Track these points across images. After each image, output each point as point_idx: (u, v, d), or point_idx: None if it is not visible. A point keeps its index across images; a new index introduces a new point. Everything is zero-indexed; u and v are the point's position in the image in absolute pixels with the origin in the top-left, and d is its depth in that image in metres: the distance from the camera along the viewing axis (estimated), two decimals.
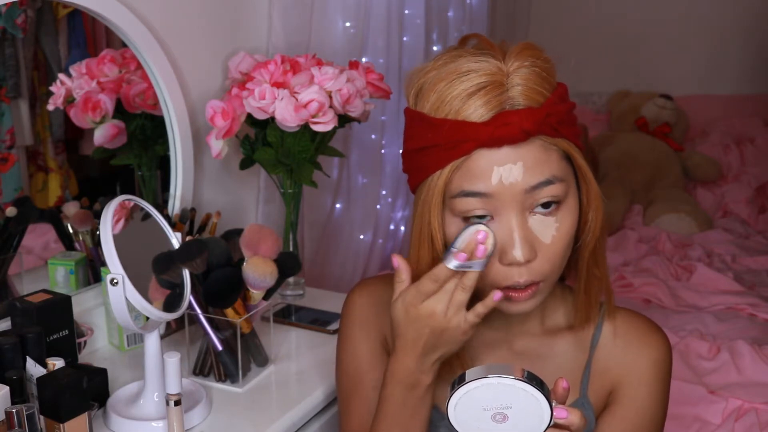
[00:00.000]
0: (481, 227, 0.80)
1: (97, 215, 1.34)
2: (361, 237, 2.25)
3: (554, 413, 0.71)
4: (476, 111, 0.79)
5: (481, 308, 0.83)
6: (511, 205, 0.81)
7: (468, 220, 0.83)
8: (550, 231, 0.83)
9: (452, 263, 0.81)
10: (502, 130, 0.78)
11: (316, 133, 1.42)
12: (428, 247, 0.86)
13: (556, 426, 0.73)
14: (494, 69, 0.80)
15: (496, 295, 0.82)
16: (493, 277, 0.83)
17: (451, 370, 0.93)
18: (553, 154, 0.82)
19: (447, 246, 0.85)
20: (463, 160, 0.81)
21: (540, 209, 0.82)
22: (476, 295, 0.87)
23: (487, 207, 0.81)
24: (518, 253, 0.81)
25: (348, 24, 1.95)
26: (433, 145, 0.82)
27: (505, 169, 0.80)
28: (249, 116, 1.43)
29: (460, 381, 0.71)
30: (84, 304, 1.34)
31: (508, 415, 0.71)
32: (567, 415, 0.72)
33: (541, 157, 0.81)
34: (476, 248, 0.80)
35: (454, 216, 0.84)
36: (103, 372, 1.17)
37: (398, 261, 0.87)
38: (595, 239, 0.88)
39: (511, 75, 0.80)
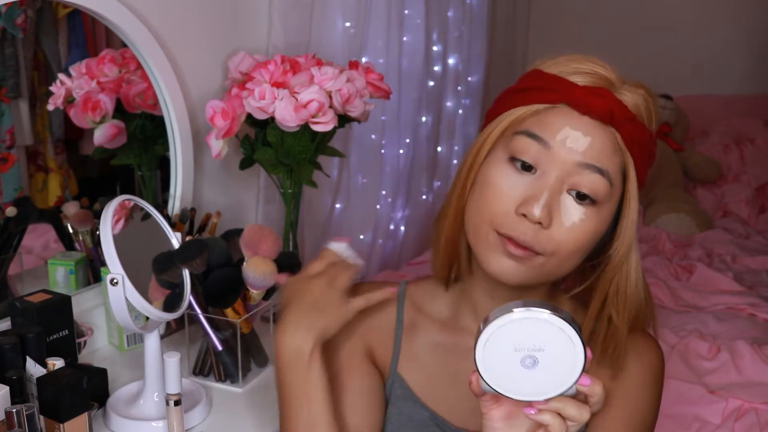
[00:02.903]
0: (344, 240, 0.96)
1: (97, 215, 1.33)
2: (361, 237, 2.25)
3: (582, 374, 0.68)
4: (582, 81, 0.84)
5: (361, 300, 0.92)
6: (558, 167, 0.82)
7: (513, 162, 0.84)
8: (574, 218, 0.83)
9: (333, 245, 0.95)
10: (592, 98, 0.82)
11: (316, 133, 1.42)
12: (466, 171, 0.88)
13: (575, 397, 0.71)
14: (615, 76, 0.85)
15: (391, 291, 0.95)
16: (501, 220, 0.83)
17: (455, 366, 0.93)
18: (616, 157, 0.84)
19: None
20: (545, 108, 0.84)
21: (576, 196, 0.83)
22: (467, 233, 0.89)
23: (538, 157, 0.83)
24: (537, 210, 0.81)
25: (348, 24, 1.95)
26: (530, 88, 0.86)
27: (574, 134, 0.82)
28: (249, 116, 1.43)
29: (495, 315, 0.68)
30: (84, 304, 1.34)
31: (539, 359, 0.68)
32: (591, 383, 0.70)
33: (607, 149, 0.83)
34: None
35: (505, 152, 0.85)
36: (103, 372, 1.17)
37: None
38: (615, 272, 0.87)
39: (624, 87, 0.85)
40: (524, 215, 0.82)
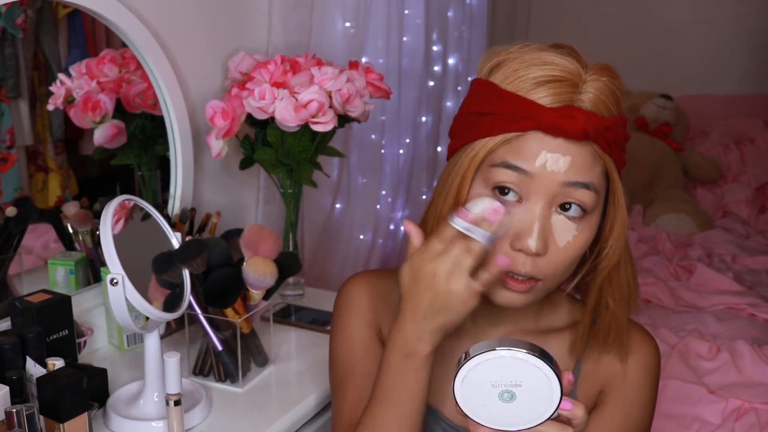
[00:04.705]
0: (501, 205, 0.80)
1: (97, 215, 1.33)
2: (361, 237, 2.25)
3: (560, 404, 0.70)
4: (545, 97, 0.81)
5: (486, 275, 0.81)
6: (544, 193, 0.82)
7: (495, 194, 0.83)
8: (568, 236, 0.84)
9: (456, 222, 0.80)
10: (564, 121, 0.80)
11: (316, 133, 1.42)
12: (450, 209, 0.86)
13: (558, 419, 0.72)
14: (573, 69, 0.82)
15: (501, 260, 0.80)
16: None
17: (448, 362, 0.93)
18: (598, 166, 0.83)
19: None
20: (516, 136, 0.82)
21: (565, 211, 0.83)
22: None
23: (520, 186, 0.82)
24: (532, 242, 0.81)
25: (348, 24, 1.95)
26: (494, 113, 0.83)
27: (552, 157, 0.81)
28: (249, 116, 1.43)
29: (471, 353, 0.70)
30: (84, 304, 1.34)
31: (517, 394, 0.70)
32: (572, 407, 0.71)
33: (587, 162, 0.82)
34: (485, 218, 0.80)
35: (486, 186, 0.84)
36: (103, 372, 1.17)
37: (410, 226, 0.86)
38: (610, 268, 0.88)
39: (587, 82, 0.83)
40: (521, 249, 0.82)
